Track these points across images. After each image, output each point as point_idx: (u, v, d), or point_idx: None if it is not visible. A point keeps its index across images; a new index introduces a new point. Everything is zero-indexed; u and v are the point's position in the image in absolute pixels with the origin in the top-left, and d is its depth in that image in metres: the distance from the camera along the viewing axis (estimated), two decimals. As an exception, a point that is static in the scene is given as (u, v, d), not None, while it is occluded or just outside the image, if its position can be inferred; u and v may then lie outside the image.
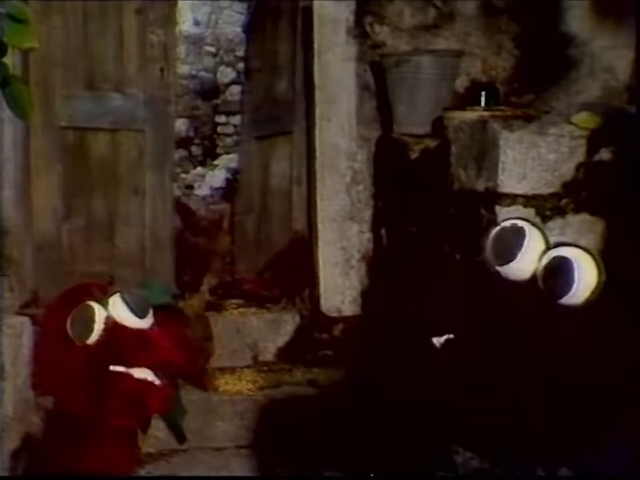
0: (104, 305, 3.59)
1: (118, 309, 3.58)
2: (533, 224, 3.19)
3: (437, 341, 3.30)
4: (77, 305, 3.59)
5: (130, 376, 3.55)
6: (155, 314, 3.65)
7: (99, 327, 3.54)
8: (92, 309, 3.56)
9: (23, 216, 4.59)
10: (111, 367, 3.54)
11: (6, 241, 4.29)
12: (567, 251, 3.02)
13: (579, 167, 3.93)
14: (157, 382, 3.57)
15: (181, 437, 3.95)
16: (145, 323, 3.61)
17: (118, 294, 3.62)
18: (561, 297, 2.97)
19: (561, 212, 3.91)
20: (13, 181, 4.44)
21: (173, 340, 3.71)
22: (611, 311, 3.01)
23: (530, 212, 3.84)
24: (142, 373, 3.56)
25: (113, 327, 3.55)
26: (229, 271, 5.79)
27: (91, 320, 3.54)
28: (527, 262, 3.06)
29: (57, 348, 3.72)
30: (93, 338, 3.54)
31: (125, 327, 3.57)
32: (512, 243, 3.08)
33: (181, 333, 3.92)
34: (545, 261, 3.02)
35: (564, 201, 3.92)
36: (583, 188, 3.92)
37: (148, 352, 3.58)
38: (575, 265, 2.96)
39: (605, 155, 3.93)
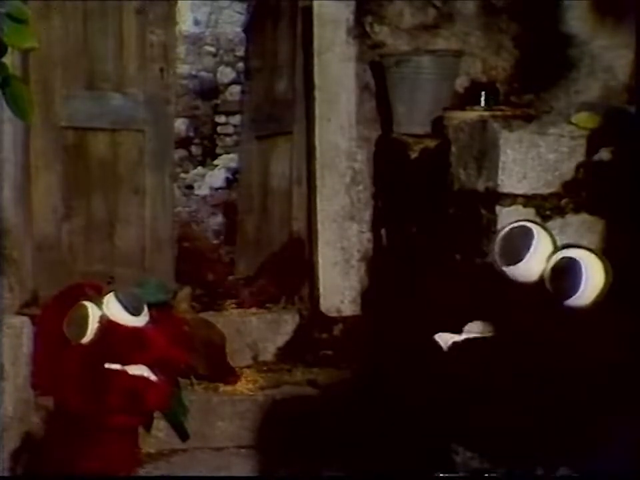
0: (98, 304, 3.60)
1: (112, 308, 3.59)
2: (541, 226, 3.18)
3: (444, 341, 3.28)
4: (71, 305, 3.60)
5: (126, 373, 3.56)
6: (150, 312, 3.66)
7: (93, 325, 3.55)
8: (86, 308, 3.57)
9: (22, 216, 4.59)
10: (107, 365, 3.54)
11: (6, 241, 4.29)
12: (574, 252, 3.01)
13: (578, 167, 3.92)
14: (153, 378, 3.57)
15: (183, 434, 3.95)
16: (140, 321, 3.61)
17: (112, 293, 3.62)
18: (568, 298, 2.96)
19: (560, 212, 3.90)
20: (13, 181, 4.44)
21: (169, 337, 3.72)
22: (613, 311, 3.01)
23: (530, 212, 3.84)
24: (138, 370, 3.56)
25: (107, 325, 3.56)
26: (228, 271, 5.79)
27: (85, 319, 3.55)
28: (534, 263, 3.05)
29: (53, 348, 3.73)
30: (88, 337, 3.55)
31: (119, 325, 3.57)
32: (520, 243, 3.07)
33: (178, 330, 3.92)
34: (552, 262, 3.02)
35: (564, 201, 3.91)
36: (582, 188, 3.91)
37: (143, 349, 3.59)
38: (582, 266, 2.95)
39: (604, 155, 3.93)
